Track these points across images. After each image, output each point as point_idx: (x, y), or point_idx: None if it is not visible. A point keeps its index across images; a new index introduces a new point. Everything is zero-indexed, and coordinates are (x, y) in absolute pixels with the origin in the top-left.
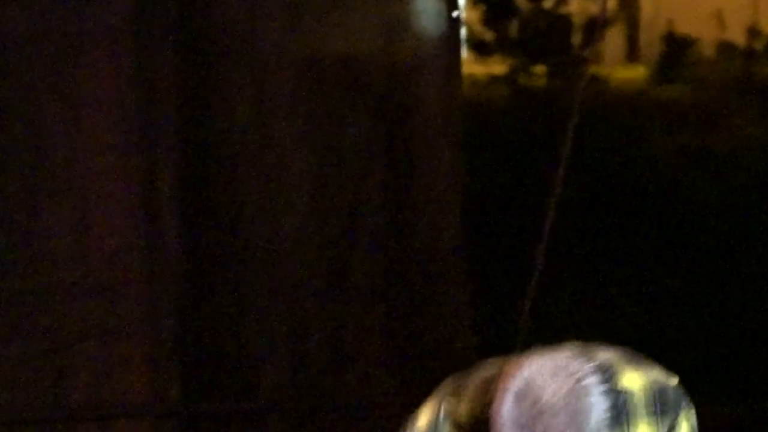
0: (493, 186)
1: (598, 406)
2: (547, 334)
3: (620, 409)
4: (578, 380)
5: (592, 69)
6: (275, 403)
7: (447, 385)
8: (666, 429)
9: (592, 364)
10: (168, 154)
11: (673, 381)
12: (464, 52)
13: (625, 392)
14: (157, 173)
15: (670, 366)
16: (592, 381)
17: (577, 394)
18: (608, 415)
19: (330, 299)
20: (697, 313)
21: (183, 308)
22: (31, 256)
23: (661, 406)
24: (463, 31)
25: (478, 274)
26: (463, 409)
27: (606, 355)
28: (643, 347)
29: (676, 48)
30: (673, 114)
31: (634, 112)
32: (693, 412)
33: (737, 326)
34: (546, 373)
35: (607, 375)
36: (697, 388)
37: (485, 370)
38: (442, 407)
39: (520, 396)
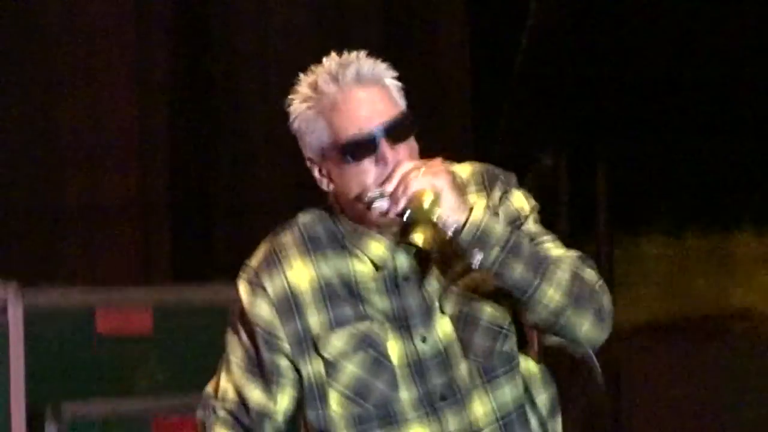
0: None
1: None
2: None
3: None
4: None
5: None
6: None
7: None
8: (498, 195)
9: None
10: None
11: (508, 171)
12: None
13: (454, 174)
14: None
15: None
16: None
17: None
18: None
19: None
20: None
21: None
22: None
23: (488, 181)
24: None
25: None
26: (296, 217)
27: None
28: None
29: None
30: None
31: None
32: (529, 195)
33: None
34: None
35: None
36: None
37: None
38: (278, 226)
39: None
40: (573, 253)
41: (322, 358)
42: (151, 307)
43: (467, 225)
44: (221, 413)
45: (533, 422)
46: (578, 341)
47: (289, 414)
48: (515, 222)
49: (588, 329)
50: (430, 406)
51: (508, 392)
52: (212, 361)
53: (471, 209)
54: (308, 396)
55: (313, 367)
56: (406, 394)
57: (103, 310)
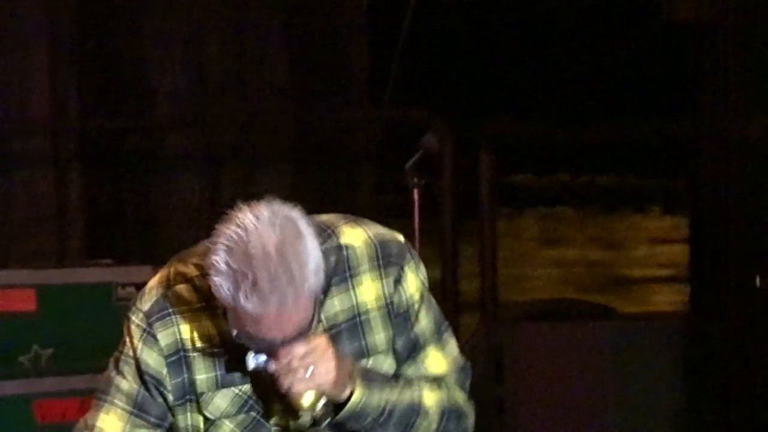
0: None
1: (311, 248)
2: None
3: (344, 264)
4: (289, 224)
5: None
6: (173, 117)
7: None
8: (392, 280)
9: (308, 221)
10: None
11: (398, 236)
12: None
13: (347, 247)
14: None
15: None
16: (303, 224)
17: (288, 238)
18: (332, 266)
19: (229, 3)
20: None
21: (80, 17)
22: None
23: (384, 258)
24: None
25: None
26: (191, 266)
27: (326, 217)
28: None
29: None
30: None
31: None
32: (420, 265)
33: None
34: (258, 222)
35: (328, 233)
36: None
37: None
38: (172, 268)
39: (233, 244)
40: (453, 366)
41: (203, 416)
42: (34, 287)
43: (345, 410)
44: None
45: None
46: None
47: None
48: (405, 316)
49: None
50: None
51: None
52: (95, 342)
53: (352, 391)
54: None
55: (192, 421)
56: None
57: None
